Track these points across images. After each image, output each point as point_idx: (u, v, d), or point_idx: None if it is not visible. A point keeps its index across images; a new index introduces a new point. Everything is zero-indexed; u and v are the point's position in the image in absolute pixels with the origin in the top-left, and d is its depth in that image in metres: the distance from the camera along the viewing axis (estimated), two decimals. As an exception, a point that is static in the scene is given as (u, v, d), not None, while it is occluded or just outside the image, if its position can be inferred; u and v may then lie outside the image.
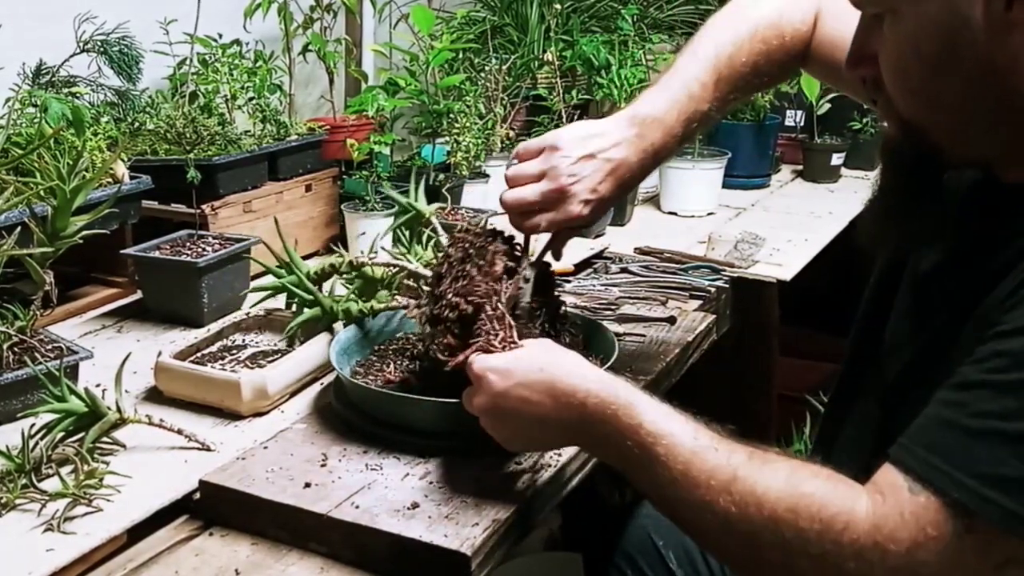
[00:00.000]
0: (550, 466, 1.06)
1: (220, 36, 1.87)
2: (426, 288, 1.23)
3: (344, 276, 1.35)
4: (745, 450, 0.87)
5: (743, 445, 0.88)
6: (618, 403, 0.91)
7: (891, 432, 0.98)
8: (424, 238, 1.41)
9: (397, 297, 1.37)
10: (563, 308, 1.20)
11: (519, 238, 1.18)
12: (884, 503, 0.79)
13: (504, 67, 2.21)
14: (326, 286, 1.37)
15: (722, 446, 0.87)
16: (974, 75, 0.84)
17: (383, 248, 1.44)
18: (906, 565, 0.78)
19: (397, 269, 1.33)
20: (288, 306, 1.38)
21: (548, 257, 1.20)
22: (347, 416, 1.15)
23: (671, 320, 1.49)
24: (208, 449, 1.13)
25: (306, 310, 1.32)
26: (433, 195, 1.90)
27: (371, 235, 1.68)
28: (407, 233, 1.44)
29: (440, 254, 1.18)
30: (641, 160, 1.15)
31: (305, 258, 1.41)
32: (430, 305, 1.13)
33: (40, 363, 1.17)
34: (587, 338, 1.27)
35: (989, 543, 0.76)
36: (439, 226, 1.39)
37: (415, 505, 0.98)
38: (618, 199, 1.19)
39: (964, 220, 0.93)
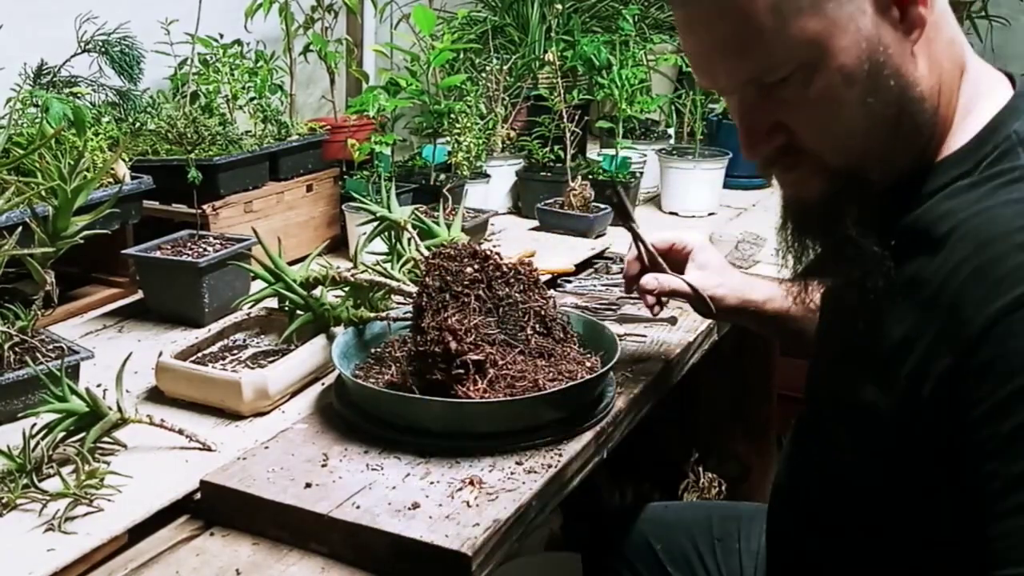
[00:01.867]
0: (551, 466, 1.06)
1: (221, 36, 1.87)
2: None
3: (330, 288, 1.35)
4: None
5: None
6: None
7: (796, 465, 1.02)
8: (405, 241, 1.42)
9: (390, 300, 1.38)
10: (547, 305, 1.20)
11: (497, 256, 1.19)
12: None
13: (505, 67, 2.22)
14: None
15: None
16: (892, 94, 0.87)
17: (367, 255, 1.43)
18: None
19: (378, 286, 1.34)
20: (281, 308, 1.38)
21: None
22: (348, 416, 1.15)
23: (672, 320, 1.49)
24: (209, 449, 1.13)
25: (299, 313, 1.33)
26: (434, 195, 1.90)
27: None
28: (390, 239, 1.44)
29: (417, 286, 1.18)
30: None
31: (306, 259, 1.40)
32: (414, 339, 1.14)
33: (41, 363, 1.17)
34: (588, 338, 1.27)
35: None
36: (415, 234, 1.39)
37: (416, 505, 0.98)
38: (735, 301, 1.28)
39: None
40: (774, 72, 0.87)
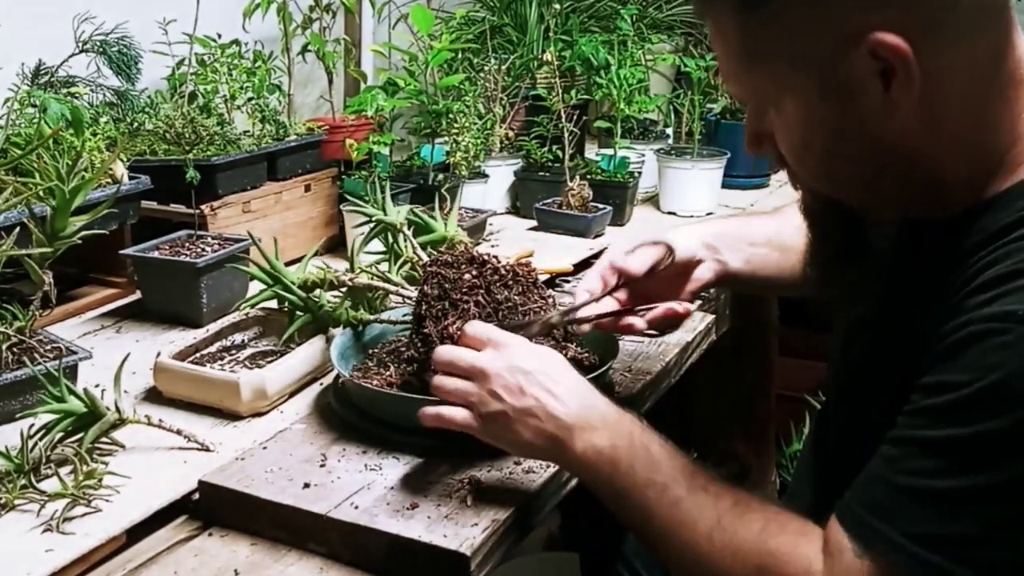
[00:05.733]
0: (549, 466, 1.06)
1: (219, 36, 1.87)
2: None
3: (329, 291, 1.35)
4: (731, 496, 0.89)
5: (731, 491, 0.90)
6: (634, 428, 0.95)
7: (822, 478, 1.03)
8: (402, 242, 1.41)
9: (387, 301, 1.37)
10: (546, 305, 1.19)
11: (493, 259, 1.19)
12: (834, 566, 0.81)
13: (503, 67, 2.21)
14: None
15: (712, 488, 0.90)
16: (866, 155, 0.85)
17: (365, 255, 1.43)
18: None
19: (377, 289, 1.33)
20: (280, 309, 1.38)
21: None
22: (347, 416, 1.15)
23: (671, 320, 1.49)
24: (207, 449, 1.13)
25: (298, 314, 1.33)
26: (432, 196, 1.90)
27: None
28: (387, 241, 1.44)
29: (417, 293, 1.18)
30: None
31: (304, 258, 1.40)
32: (415, 347, 1.14)
33: (39, 363, 1.17)
34: (587, 338, 1.27)
35: None
36: (411, 236, 1.39)
37: (414, 505, 0.98)
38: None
39: (894, 265, 0.94)
40: (759, 99, 0.91)
